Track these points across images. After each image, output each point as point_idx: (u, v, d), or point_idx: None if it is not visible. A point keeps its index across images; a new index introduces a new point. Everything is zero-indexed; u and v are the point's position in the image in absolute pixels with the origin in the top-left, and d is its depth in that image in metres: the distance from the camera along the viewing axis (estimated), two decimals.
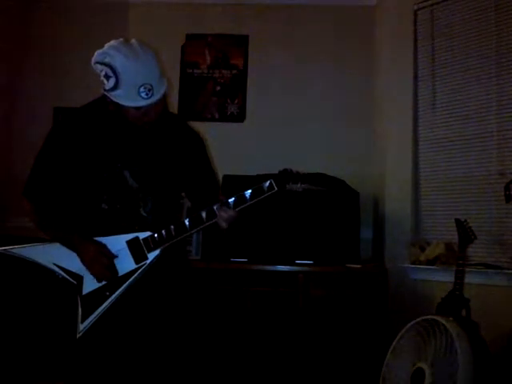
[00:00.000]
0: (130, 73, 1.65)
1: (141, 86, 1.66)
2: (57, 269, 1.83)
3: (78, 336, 1.76)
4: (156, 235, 1.77)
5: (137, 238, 1.78)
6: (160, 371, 1.84)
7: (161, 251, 1.77)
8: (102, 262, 1.75)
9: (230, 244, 3.22)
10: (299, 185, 1.67)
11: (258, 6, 3.82)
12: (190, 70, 3.87)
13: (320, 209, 3.22)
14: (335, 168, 3.38)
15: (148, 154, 1.86)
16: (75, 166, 1.82)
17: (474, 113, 3.11)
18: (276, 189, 1.66)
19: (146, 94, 1.67)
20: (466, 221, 2.69)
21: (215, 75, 3.85)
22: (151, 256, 1.77)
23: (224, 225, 1.72)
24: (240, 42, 3.85)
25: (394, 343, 2.57)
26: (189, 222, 1.74)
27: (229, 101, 3.82)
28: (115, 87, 1.66)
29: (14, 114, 3.84)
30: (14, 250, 1.90)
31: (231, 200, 1.70)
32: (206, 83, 3.85)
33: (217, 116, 3.82)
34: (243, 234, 3.20)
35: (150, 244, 1.77)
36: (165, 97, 1.79)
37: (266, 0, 3.83)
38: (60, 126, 1.89)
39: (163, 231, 1.76)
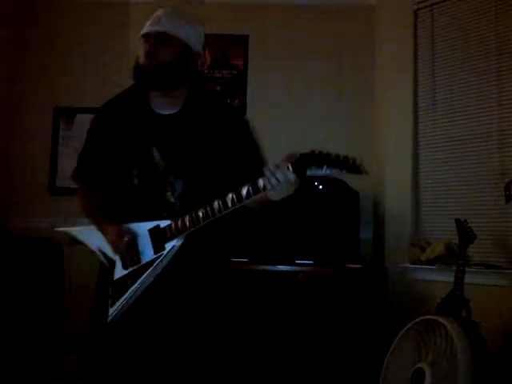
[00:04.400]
0: (161, 10, 1.76)
1: (156, 15, 1.74)
2: (99, 253, 1.83)
3: (108, 320, 1.71)
4: (173, 225, 1.67)
5: (158, 226, 1.70)
6: (171, 369, 1.77)
7: (180, 242, 1.67)
8: (123, 242, 1.70)
9: (230, 244, 3.21)
10: (324, 169, 1.44)
11: (258, 6, 3.81)
12: None
13: (320, 209, 3.22)
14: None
15: (179, 132, 1.77)
16: (112, 147, 1.81)
17: (474, 112, 3.11)
18: (293, 176, 1.46)
19: (151, 24, 1.73)
20: (465, 221, 2.69)
21: (215, 75, 3.84)
22: (168, 246, 1.68)
23: (276, 196, 1.54)
24: (240, 42, 3.85)
25: (394, 343, 2.57)
26: (202, 212, 1.61)
27: (229, 101, 3.82)
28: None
29: (15, 114, 3.84)
30: (72, 231, 1.92)
31: (244, 191, 1.53)
32: (206, 83, 3.85)
33: None
34: (243, 234, 3.20)
35: (167, 233, 1.68)
36: (191, 55, 1.78)
37: (266, 0, 3.83)
38: (99, 112, 1.91)
39: (179, 221, 1.66)
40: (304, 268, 3.09)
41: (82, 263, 3.49)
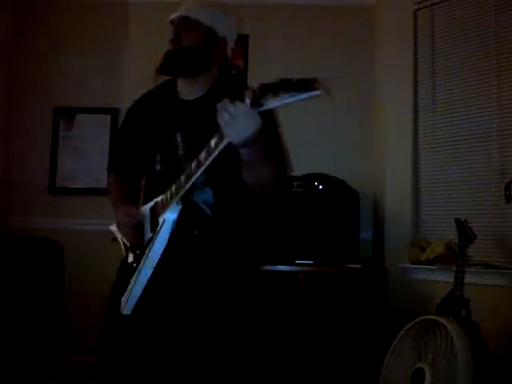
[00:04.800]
0: None
1: (188, 1, 1.77)
2: (122, 239, 1.82)
3: (121, 309, 1.67)
4: (163, 196, 1.61)
5: (155, 202, 1.66)
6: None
7: (174, 214, 1.59)
8: (126, 222, 1.71)
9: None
10: (281, 97, 1.29)
11: (258, 5, 3.81)
12: None
13: (320, 209, 3.22)
14: (335, 168, 3.38)
15: (199, 116, 1.72)
16: (141, 134, 1.84)
17: (474, 112, 3.11)
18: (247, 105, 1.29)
19: (178, 10, 1.75)
20: (465, 221, 2.69)
21: None
22: (161, 220, 1.61)
23: (233, 135, 1.34)
24: (240, 42, 3.84)
25: (394, 343, 2.57)
26: (183, 177, 1.53)
27: None
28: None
29: (14, 114, 3.84)
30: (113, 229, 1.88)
31: (212, 141, 1.40)
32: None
33: None
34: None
35: (159, 207, 1.63)
36: (217, 40, 1.77)
37: (266, 0, 3.83)
38: (132, 106, 1.94)
39: (168, 192, 1.59)
40: (304, 268, 3.09)
41: (81, 263, 3.52)
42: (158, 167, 1.76)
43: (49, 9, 3.90)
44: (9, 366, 2.99)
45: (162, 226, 1.61)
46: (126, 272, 1.72)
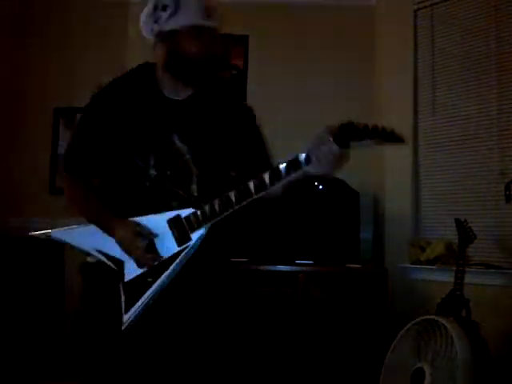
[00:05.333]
0: None
1: (200, 7, 1.63)
2: (98, 254, 1.66)
3: (123, 328, 1.57)
4: (199, 212, 1.55)
5: (178, 216, 1.57)
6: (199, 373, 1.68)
7: (206, 231, 1.56)
8: (139, 245, 1.57)
9: (230, 244, 3.21)
10: (367, 141, 1.41)
11: (257, 6, 3.81)
12: None
13: (320, 209, 3.22)
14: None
15: (196, 118, 1.68)
16: (118, 134, 1.67)
17: (474, 112, 3.11)
18: (335, 148, 1.41)
19: (208, 15, 1.63)
20: (465, 221, 2.69)
21: None
22: (195, 236, 1.56)
23: (327, 169, 1.46)
24: (240, 42, 3.84)
25: (393, 343, 2.57)
26: (235, 194, 1.51)
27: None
28: (175, 11, 1.60)
29: (14, 114, 3.84)
30: (56, 235, 1.73)
31: (282, 166, 1.45)
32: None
33: None
34: (243, 234, 3.20)
35: (193, 222, 1.56)
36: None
37: (266, 0, 3.83)
38: (101, 93, 1.73)
39: (207, 207, 1.54)
40: (304, 268, 3.08)
41: None
42: (152, 172, 1.64)
43: (49, 9, 3.90)
44: (9, 366, 2.99)
45: (196, 241, 1.57)
46: (128, 288, 1.61)
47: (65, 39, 3.86)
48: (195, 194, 1.65)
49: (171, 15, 1.61)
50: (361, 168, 3.61)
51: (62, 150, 3.81)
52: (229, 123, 1.73)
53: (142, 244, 1.58)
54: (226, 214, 1.54)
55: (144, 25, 1.69)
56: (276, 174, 1.47)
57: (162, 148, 1.65)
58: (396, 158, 3.43)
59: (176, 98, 1.70)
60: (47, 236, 1.73)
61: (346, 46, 3.78)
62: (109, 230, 1.64)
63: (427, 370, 2.32)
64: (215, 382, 1.71)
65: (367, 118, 4.10)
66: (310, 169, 1.46)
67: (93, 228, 1.68)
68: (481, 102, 3.08)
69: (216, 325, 1.70)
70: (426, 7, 3.36)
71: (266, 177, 1.47)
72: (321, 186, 3.24)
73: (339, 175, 3.27)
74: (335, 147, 1.41)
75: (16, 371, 3.02)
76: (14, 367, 3.02)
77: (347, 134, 1.40)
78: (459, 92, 3.19)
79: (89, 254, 1.69)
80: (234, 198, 1.52)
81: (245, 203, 1.52)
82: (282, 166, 1.46)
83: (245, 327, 3.03)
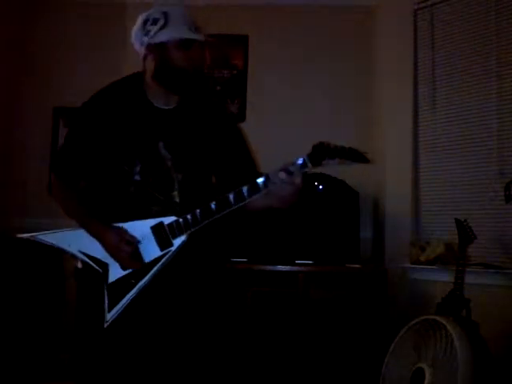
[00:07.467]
0: (178, 13, 1.75)
1: (189, 22, 1.75)
2: (82, 256, 1.77)
3: (105, 325, 1.68)
4: (181, 220, 1.67)
5: (161, 223, 1.69)
6: (179, 370, 1.77)
7: (187, 237, 1.67)
8: (125, 250, 1.68)
9: (230, 244, 3.22)
10: (336, 160, 1.53)
11: (257, 6, 3.81)
12: None
13: (320, 209, 3.22)
14: (335, 168, 3.37)
15: (183, 127, 1.79)
16: (107, 140, 1.76)
17: (474, 112, 3.11)
18: (310, 165, 1.54)
19: (195, 30, 1.75)
20: (465, 221, 2.69)
21: (215, 75, 3.84)
22: (176, 242, 1.68)
23: (279, 202, 1.63)
24: (240, 42, 3.84)
25: (393, 343, 2.56)
26: (215, 204, 1.63)
27: (229, 101, 3.82)
28: (165, 24, 1.71)
29: (14, 114, 3.84)
30: (41, 237, 1.83)
31: (260, 180, 1.58)
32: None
33: None
34: (243, 234, 3.21)
35: (175, 229, 1.68)
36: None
37: (266, 0, 3.83)
38: (91, 102, 1.83)
39: (188, 216, 1.66)
40: (304, 268, 3.09)
41: None
42: (137, 178, 1.74)
43: (49, 9, 3.91)
44: (9, 366, 2.99)
45: (178, 247, 1.68)
46: (112, 288, 1.72)
47: (65, 39, 3.86)
48: (177, 200, 1.75)
49: (161, 28, 1.71)
50: (361, 168, 3.61)
51: None
52: (212, 132, 1.83)
53: (128, 250, 1.69)
54: (206, 222, 1.65)
55: (135, 38, 1.81)
56: (254, 188, 1.59)
57: (148, 155, 1.74)
58: (396, 158, 3.43)
59: (163, 108, 1.79)
60: (33, 238, 1.84)
61: (346, 46, 3.79)
62: (96, 235, 1.74)
63: (427, 370, 2.32)
64: (194, 376, 1.79)
65: (367, 117, 4.13)
66: (275, 198, 1.63)
67: (79, 231, 1.79)
68: (481, 101, 3.08)
69: (195, 323, 1.79)
70: (426, 7, 3.36)
71: (245, 189, 1.59)
72: (321, 186, 3.24)
73: (339, 175, 3.28)
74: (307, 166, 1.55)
75: (16, 371, 3.02)
76: (15, 367, 3.02)
77: (320, 154, 1.52)
78: (459, 92, 3.19)
79: (74, 257, 1.81)
80: (214, 208, 1.63)
81: (224, 213, 1.63)
82: (260, 180, 1.58)
83: (245, 327, 3.03)
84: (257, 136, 3.75)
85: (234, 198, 1.61)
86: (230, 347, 3.01)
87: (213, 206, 1.63)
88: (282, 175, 1.55)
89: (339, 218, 3.21)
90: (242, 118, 3.80)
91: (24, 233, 1.92)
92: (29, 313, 3.15)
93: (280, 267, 3.09)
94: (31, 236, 1.84)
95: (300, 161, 1.55)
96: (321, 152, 1.52)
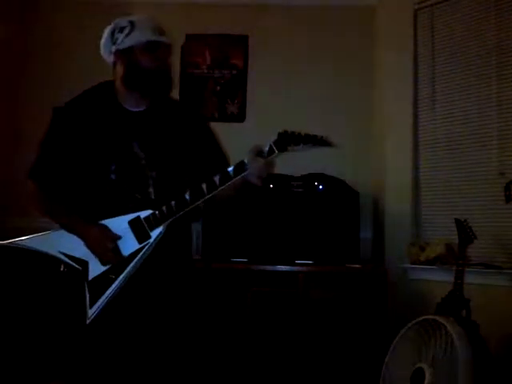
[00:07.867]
0: (143, 19, 1.88)
1: (153, 27, 1.85)
2: (62, 256, 1.82)
3: (87, 322, 1.73)
4: (157, 212, 1.75)
5: (138, 217, 1.77)
6: (163, 363, 1.82)
7: (164, 229, 1.75)
8: (105, 245, 1.75)
9: (230, 244, 3.22)
10: (301, 146, 1.65)
11: (257, 6, 3.81)
12: (191, 70, 3.87)
13: (320, 209, 3.22)
14: (335, 168, 3.38)
15: (154, 127, 1.87)
16: (83, 144, 1.85)
17: (474, 112, 3.11)
18: (276, 152, 1.65)
19: (160, 33, 1.85)
20: (465, 221, 2.69)
21: (215, 75, 3.84)
22: (154, 234, 1.75)
23: (257, 180, 1.69)
24: (240, 42, 3.85)
25: (393, 343, 2.56)
26: (189, 195, 1.71)
27: (229, 101, 3.82)
28: (131, 30, 1.83)
29: (14, 114, 3.84)
30: (18, 242, 1.90)
31: (230, 169, 1.69)
32: (206, 83, 3.85)
33: (217, 116, 3.81)
34: (243, 234, 3.21)
35: (152, 222, 1.75)
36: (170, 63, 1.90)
37: (266, 0, 3.83)
38: (65, 109, 1.96)
39: (164, 207, 1.74)
40: (304, 268, 3.09)
41: None
42: (112, 177, 1.82)
43: (49, 9, 3.91)
44: (9, 366, 2.99)
45: (155, 238, 1.75)
46: (92, 285, 1.77)
47: (65, 39, 3.86)
48: (152, 197, 1.82)
49: (127, 34, 1.83)
50: (361, 168, 3.63)
51: None
52: (182, 130, 1.91)
53: (110, 246, 1.75)
54: (181, 212, 1.74)
55: (104, 49, 1.94)
56: (225, 176, 1.69)
57: (122, 155, 1.83)
58: (396, 158, 3.43)
59: (135, 110, 1.88)
60: (12, 244, 1.90)
61: (346, 46, 3.79)
62: (78, 233, 1.81)
63: (427, 370, 2.32)
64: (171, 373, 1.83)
65: (367, 117, 4.13)
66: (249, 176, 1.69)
67: (57, 233, 1.86)
68: (481, 102, 3.08)
69: (175, 316, 1.85)
70: (426, 7, 3.36)
71: (217, 178, 1.69)
72: (321, 186, 3.24)
73: (339, 175, 3.29)
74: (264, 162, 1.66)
75: (16, 371, 3.02)
76: (15, 368, 3.02)
77: (285, 140, 1.64)
78: (459, 92, 3.19)
79: (55, 259, 1.84)
80: (188, 198, 1.72)
81: (199, 202, 1.72)
82: (230, 168, 1.69)
83: (245, 327, 3.03)
84: (257, 136, 3.77)
85: (207, 186, 1.69)
86: (230, 347, 3.01)
87: (187, 196, 1.71)
88: (252, 162, 1.66)
89: (339, 217, 3.21)
90: (242, 118, 3.80)
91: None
92: (28, 313, 3.14)
93: (280, 267, 3.09)
94: (10, 243, 1.91)
95: (267, 147, 1.66)
96: (286, 139, 1.64)
